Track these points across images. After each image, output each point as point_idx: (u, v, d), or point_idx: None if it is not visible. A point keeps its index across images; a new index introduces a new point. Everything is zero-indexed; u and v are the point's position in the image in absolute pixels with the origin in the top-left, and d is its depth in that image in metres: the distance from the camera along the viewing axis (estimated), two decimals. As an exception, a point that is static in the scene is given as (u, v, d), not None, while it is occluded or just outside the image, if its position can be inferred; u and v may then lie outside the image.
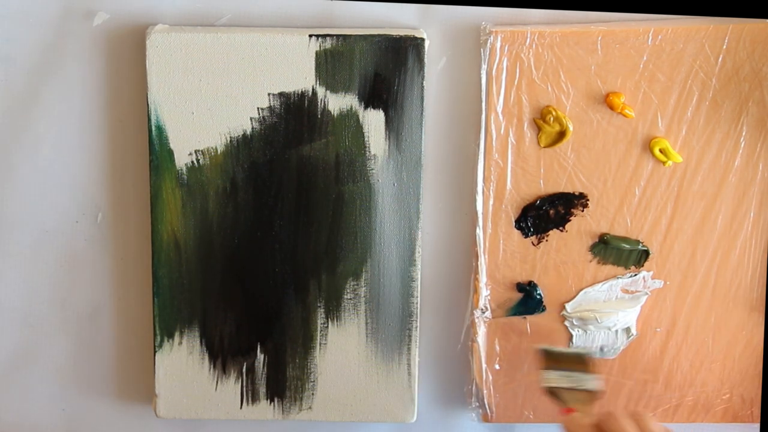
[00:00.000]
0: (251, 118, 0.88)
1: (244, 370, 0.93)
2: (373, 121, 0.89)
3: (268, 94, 0.88)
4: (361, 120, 0.89)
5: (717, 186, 0.91)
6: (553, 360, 0.89)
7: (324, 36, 0.87)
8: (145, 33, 0.87)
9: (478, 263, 0.92)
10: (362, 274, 0.91)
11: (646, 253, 0.92)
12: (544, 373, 0.88)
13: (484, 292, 0.92)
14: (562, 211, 0.91)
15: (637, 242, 0.92)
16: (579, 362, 0.88)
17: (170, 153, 0.89)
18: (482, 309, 0.93)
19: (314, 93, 0.88)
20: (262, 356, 0.92)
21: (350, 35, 0.87)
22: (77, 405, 0.96)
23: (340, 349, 0.92)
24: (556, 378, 0.87)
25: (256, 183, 0.89)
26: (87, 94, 0.90)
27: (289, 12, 0.88)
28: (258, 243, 0.90)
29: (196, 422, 0.96)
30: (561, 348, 0.91)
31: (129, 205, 0.92)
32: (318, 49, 0.87)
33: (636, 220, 0.91)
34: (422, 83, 0.88)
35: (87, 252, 0.93)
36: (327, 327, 0.92)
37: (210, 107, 0.88)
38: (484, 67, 0.88)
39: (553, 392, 0.87)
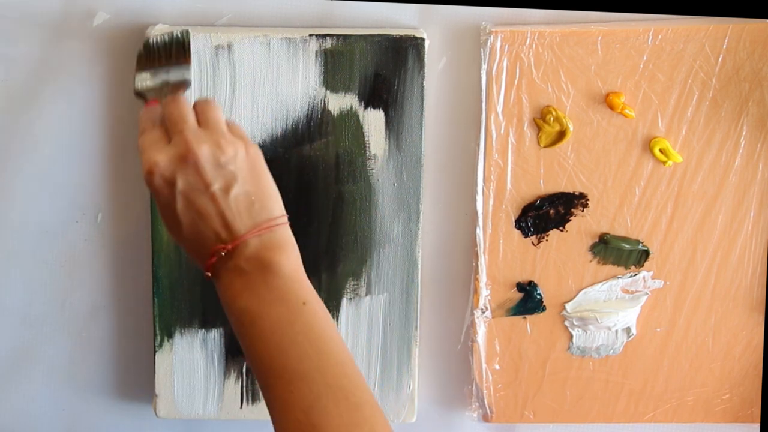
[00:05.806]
0: (251, 118, 0.88)
1: (244, 370, 0.93)
2: (373, 121, 0.89)
3: (269, 94, 0.88)
4: (361, 120, 0.89)
5: (717, 186, 0.91)
6: (149, 60, 0.81)
7: (324, 36, 0.87)
8: (145, 33, 0.87)
9: (478, 263, 0.92)
10: (362, 274, 0.91)
11: (646, 253, 0.92)
12: (137, 75, 0.80)
13: (484, 292, 0.92)
14: (562, 211, 0.91)
15: (637, 242, 0.92)
16: (174, 54, 0.81)
17: (170, 153, 0.89)
18: (482, 309, 0.93)
19: (314, 93, 0.88)
20: (262, 356, 0.92)
21: (350, 35, 0.87)
22: (77, 405, 0.96)
23: (340, 349, 0.92)
24: (149, 78, 0.80)
25: (256, 183, 0.89)
26: (87, 94, 0.90)
27: (289, 12, 0.88)
28: (258, 243, 0.90)
29: (196, 422, 0.96)
30: (160, 39, 0.82)
31: (129, 205, 0.92)
32: (318, 49, 0.87)
33: (636, 220, 0.91)
34: (422, 83, 0.88)
35: (87, 252, 0.93)
36: (327, 327, 0.92)
37: (210, 107, 0.88)
38: (484, 67, 0.88)
39: (139, 93, 0.80)
